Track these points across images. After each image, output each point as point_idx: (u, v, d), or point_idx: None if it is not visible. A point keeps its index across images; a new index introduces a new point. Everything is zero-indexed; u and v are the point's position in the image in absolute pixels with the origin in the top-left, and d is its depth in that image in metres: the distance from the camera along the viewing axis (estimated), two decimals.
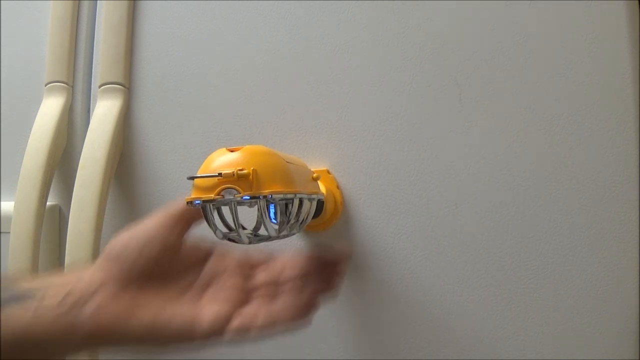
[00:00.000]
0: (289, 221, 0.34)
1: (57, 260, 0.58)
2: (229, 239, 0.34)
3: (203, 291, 0.36)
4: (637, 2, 0.43)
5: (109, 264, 0.35)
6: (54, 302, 0.32)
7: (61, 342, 0.32)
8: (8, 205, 0.56)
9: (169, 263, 0.36)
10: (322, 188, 0.46)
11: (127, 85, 0.57)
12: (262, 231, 0.35)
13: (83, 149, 0.54)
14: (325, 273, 0.38)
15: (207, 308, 0.34)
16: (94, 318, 0.32)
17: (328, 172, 0.49)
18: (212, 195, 0.30)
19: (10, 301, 0.32)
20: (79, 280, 0.34)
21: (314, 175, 0.39)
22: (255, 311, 0.34)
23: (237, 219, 0.31)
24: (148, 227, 0.36)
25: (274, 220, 0.34)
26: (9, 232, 0.53)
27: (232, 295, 0.35)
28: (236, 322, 0.33)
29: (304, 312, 0.35)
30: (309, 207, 0.36)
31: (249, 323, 0.33)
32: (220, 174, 0.30)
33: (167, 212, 0.36)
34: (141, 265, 0.35)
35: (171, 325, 0.33)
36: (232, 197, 0.30)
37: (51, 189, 0.57)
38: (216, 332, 0.33)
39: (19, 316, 0.31)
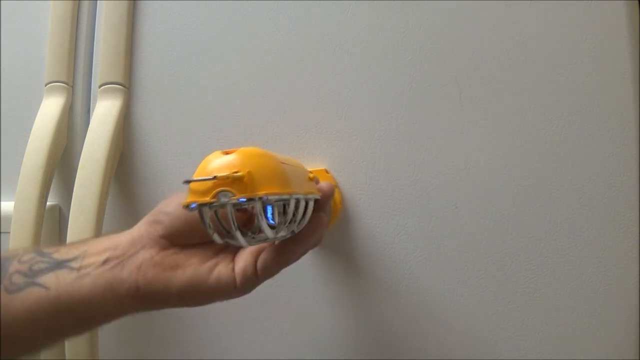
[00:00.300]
0: (286, 222, 0.34)
1: None
2: (227, 242, 0.34)
3: (235, 253, 0.37)
4: (637, 2, 0.43)
5: (151, 226, 0.36)
6: (95, 263, 0.34)
7: (104, 300, 0.33)
8: (8, 205, 0.56)
9: None
10: None
11: (127, 85, 0.56)
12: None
13: (83, 149, 0.54)
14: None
15: (240, 262, 0.36)
16: (136, 274, 0.34)
17: (326, 171, 0.49)
18: (207, 199, 0.30)
19: (50, 270, 0.33)
20: (118, 244, 0.35)
21: (311, 175, 0.39)
22: (274, 249, 0.36)
23: (234, 222, 0.31)
24: None
25: (272, 221, 0.34)
26: (9, 232, 0.53)
27: (256, 248, 0.37)
28: (260, 261, 0.35)
29: (315, 233, 0.37)
30: (305, 207, 0.36)
31: (269, 259, 0.35)
32: (215, 177, 0.30)
33: None
34: (181, 229, 0.36)
35: (211, 278, 0.34)
36: (227, 200, 0.30)
37: (51, 189, 0.57)
38: (248, 280, 0.35)
39: (61, 279, 0.33)
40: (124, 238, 0.36)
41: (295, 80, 0.51)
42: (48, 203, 0.56)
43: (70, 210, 0.52)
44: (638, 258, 0.42)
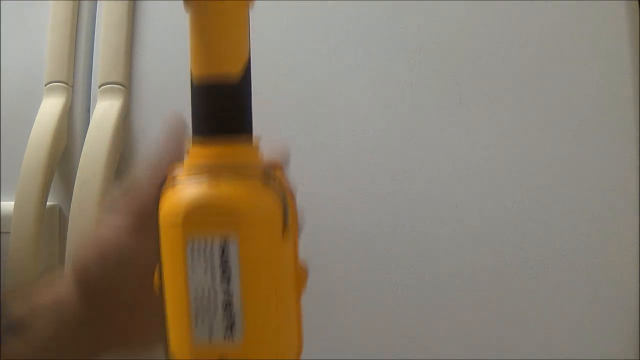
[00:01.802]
0: None
1: (57, 260, 0.58)
2: None
3: None
4: (637, 2, 0.43)
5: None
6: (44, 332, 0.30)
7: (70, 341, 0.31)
8: (8, 205, 0.56)
9: None
10: None
11: (127, 85, 0.56)
12: None
13: (83, 149, 0.54)
14: None
15: None
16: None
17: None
18: None
19: (7, 332, 0.30)
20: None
21: None
22: None
23: None
24: None
25: None
26: (9, 232, 0.53)
27: None
28: None
29: None
30: None
31: None
32: None
33: None
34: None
35: None
36: None
37: (51, 189, 0.57)
38: None
39: (17, 349, 0.30)
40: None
41: (295, 80, 0.51)
42: (48, 203, 0.56)
43: (70, 210, 0.52)
44: (638, 258, 0.42)
